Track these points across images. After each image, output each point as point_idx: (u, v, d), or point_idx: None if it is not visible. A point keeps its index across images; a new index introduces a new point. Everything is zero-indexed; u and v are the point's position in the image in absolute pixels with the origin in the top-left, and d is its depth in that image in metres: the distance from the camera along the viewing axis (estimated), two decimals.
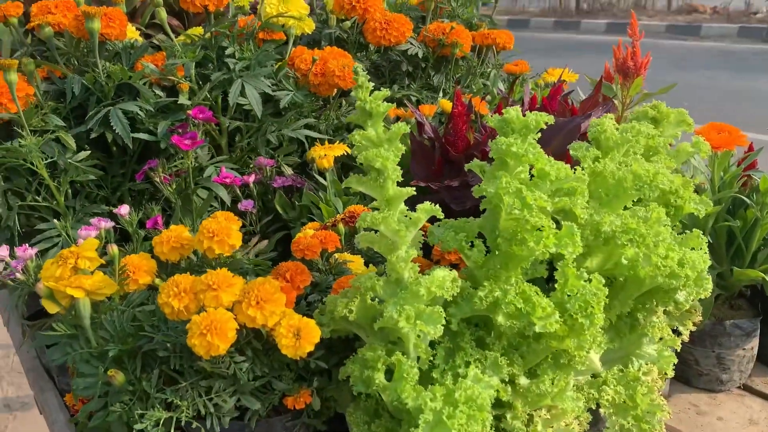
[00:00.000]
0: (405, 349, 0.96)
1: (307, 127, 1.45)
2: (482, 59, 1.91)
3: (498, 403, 1.06)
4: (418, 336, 0.94)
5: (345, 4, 1.69)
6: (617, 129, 1.12)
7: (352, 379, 0.93)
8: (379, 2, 1.71)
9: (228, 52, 1.39)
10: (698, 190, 1.41)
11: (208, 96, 1.39)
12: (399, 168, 0.91)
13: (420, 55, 1.71)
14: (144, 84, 1.32)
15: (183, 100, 1.29)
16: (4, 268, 1.10)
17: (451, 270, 0.99)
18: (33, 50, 1.45)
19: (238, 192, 1.41)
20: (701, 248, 1.18)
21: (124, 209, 1.19)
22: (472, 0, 2.01)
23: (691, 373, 1.50)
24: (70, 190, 1.34)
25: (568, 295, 0.99)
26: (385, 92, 0.91)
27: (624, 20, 13.61)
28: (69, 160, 1.24)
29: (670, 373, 1.20)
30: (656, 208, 1.09)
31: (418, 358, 0.98)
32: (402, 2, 2.01)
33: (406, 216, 0.94)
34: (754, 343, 1.49)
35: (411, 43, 1.71)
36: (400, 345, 0.96)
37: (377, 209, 0.93)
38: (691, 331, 1.44)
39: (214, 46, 1.39)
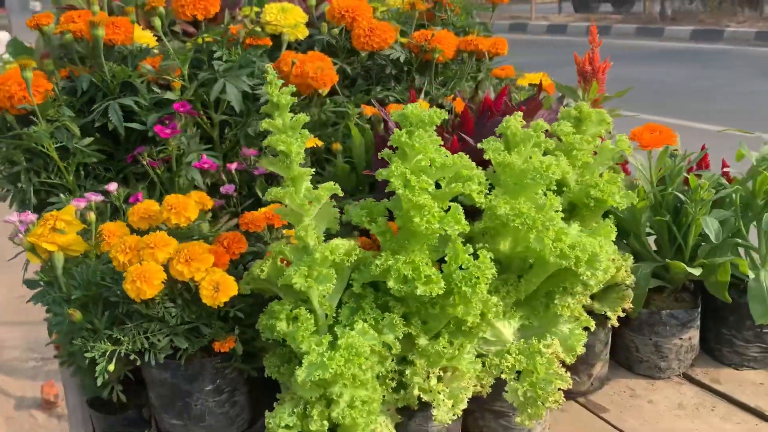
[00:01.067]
0: (312, 306, 1.13)
1: None
2: (475, 64, 2.05)
3: (403, 361, 1.22)
4: (323, 295, 1.12)
5: (335, 13, 1.88)
6: (522, 126, 1.26)
7: (261, 327, 1.12)
8: (367, 12, 1.89)
9: (216, 55, 1.61)
10: (632, 186, 1.51)
11: (200, 93, 1.61)
12: (302, 152, 1.09)
13: (402, 59, 1.88)
14: (142, 82, 1.56)
15: (170, 95, 1.52)
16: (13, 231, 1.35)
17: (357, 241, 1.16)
18: (62, 53, 1.71)
19: (224, 178, 1.62)
20: (610, 237, 1.30)
21: (112, 186, 1.43)
22: (467, 9, 2.16)
23: (633, 359, 1.60)
24: (83, 172, 1.59)
25: (456, 268, 1.14)
26: (291, 88, 1.09)
27: (710, 27, 13.15)
28: (75, 145, 1.49)
29: (580, 350, 1.31)
30: (551, 197, 1.22)
31: (327, 315, 1.16)
32: (404, 11, 2.18)
33: (312, 193, 1.12)
34: (692, 334, 1.57)
35: (394, 49, 1.88)
36: (309, 303, 1.14)
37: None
38: (631, 320, 1.55)
39: (206, 50, 1.62)
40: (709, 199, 1.46)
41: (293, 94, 1.66)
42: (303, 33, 1.84)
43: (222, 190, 1.57)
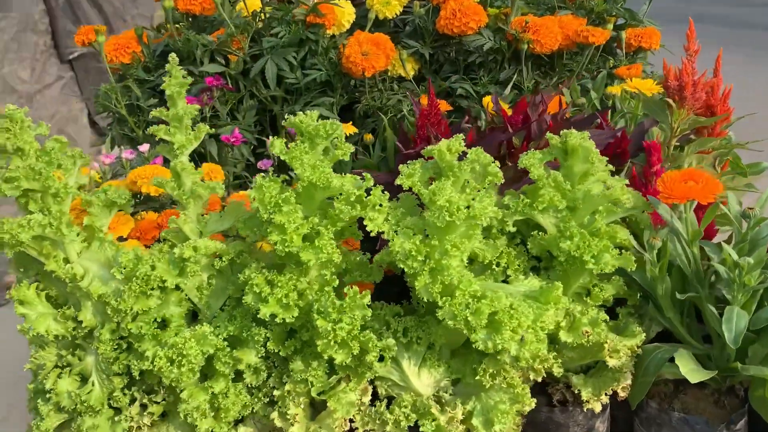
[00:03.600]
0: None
1: (325, 104, 1.61)
2: (594, 56, 1.74)
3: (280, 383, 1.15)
4: (199, 290, 1.11)
5: None
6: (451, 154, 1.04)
7: None
8: None
9: (273, 31, 1.62)
10: (652, 248, 1.15)
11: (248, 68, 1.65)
12: (188, 145, 1.07)
13: (485, 47, 1.67)
14: (205, 52, 1.65)
15: (207, 67, 1.59)
16: None
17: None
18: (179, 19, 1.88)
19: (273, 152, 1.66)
20: (551, 303, 1.04)
21: (143, 147, 1.57)
22: None
23: None
24: None
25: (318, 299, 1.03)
26: (188, 80, 1.07)
27: None
28: (139, 103, 1.66)
29: (499, 426, 1.09)
30: (455, 242, 1.01)
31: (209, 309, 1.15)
32: None
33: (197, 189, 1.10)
34: None
35: (481, 35, 1.68)
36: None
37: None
38: (641, 409, 1.24)
39: (268, 26, 1.64)
40: (752, 286, 1.05)
41: (340, 75, 1.63)
42: (392, 11, 1.75)
43: (259, 164, 1.62)
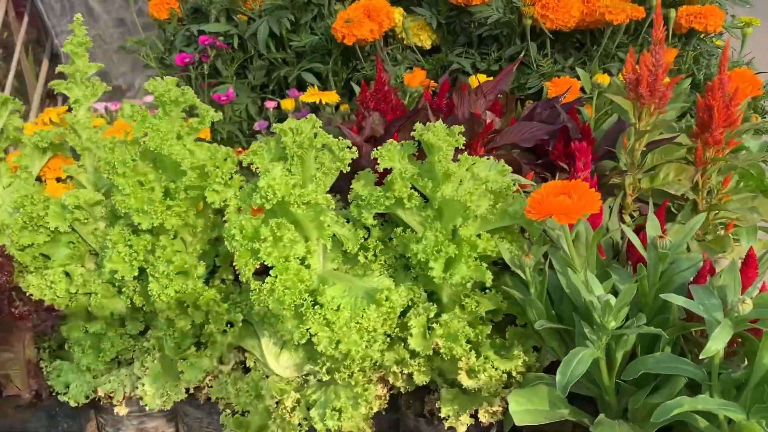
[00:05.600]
0: None
1: (313, 71, 1.59)
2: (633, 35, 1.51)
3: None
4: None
5: None
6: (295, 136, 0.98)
7: None
8: None
9: None
10: (522, 266, 0.99)
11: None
12: (85, 100, 1.14)
13: (490, 20, 1.52)
14: (220, 11, 1.71)
15: (209, 27, 1.63)
16: None
17: None
18: None
19: (269, 114, 1.69)
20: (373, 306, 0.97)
21: (148, 99, 1.68)
22: None
23: None
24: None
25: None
26: (88, 41, 1.13)
27: None
28: (163, 57, 1.78)
29: (332, 422, 1.05)
30: (278, 224, 0.97)
31: None
32: None
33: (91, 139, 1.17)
34: None
35: (490, 7, 1.53)
36: None
37: None
38: None
39: None
40: (609, 329, 0.87)
41: (331, 43, 1.60)
42: None
43: (255, 126, 1.66)
